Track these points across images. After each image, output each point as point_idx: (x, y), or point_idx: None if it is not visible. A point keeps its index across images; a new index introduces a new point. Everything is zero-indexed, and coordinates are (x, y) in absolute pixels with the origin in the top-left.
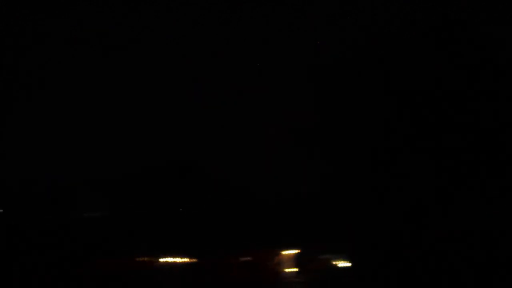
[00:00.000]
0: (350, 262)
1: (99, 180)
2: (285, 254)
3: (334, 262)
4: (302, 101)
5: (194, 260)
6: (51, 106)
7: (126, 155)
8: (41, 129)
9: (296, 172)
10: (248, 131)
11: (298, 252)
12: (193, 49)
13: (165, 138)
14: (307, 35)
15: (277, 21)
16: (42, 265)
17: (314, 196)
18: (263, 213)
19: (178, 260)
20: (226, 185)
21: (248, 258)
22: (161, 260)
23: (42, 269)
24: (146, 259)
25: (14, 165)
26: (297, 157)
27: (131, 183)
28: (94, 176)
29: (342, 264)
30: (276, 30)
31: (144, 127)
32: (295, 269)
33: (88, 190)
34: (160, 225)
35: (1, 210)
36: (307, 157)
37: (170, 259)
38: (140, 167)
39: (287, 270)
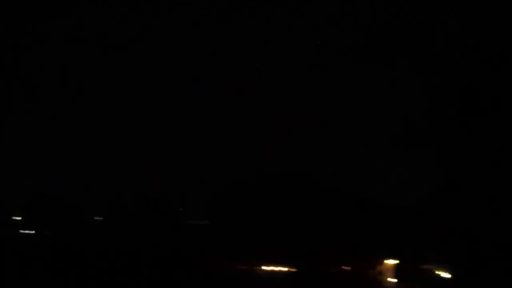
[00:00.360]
0: (452, 273)
1: (200, 189)
2: (386, 264)
3: (436, 273)
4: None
5: (294, 268)
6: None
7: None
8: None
9: (398, 180)
10: (346, 135)
11: (399, 262)
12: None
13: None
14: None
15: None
16: (147, 268)
17: (416, 203)
18: (364, 221)
19: (279, 268)
20: (327, 193)
21: (348, 267)
22: (263, 268)
23: (146, 272)
24: (247, 267)
25: (110, 175)
26: (396, 164)
27: (231, 192)
28: (196, 186)
29: (444, 274)
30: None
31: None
32: (396, 279)
33: (190, 198)
34: (261, 233)
35: (100, 218)
36: (406, 165)
37: (271, 267)
38: (238, 176)
39: (388, 279)
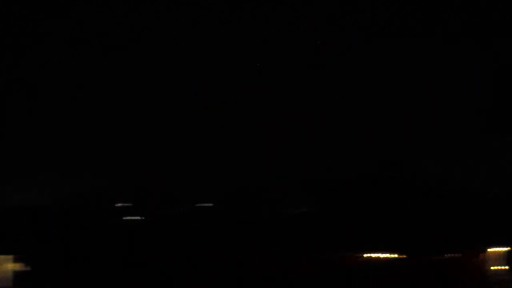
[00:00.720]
0: None
1: (302, 178)
2: (493, 252)
3: None
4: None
5: (400, 256)
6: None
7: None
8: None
9: (503, 165)
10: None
11: (508, 250)
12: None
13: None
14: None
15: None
16: (246, 259)
17: None
18: (470, 208)
19: (383, 256)
20: (430, 181)
21: (454, 255)
22: (365, 255)
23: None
24: (351, 254)
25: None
26: (501, 150)
27: (334, 181)
28: (297, 176)
29: None
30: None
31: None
32: (505, 267)
33: (291, 188)
34: (365, 221)
35: (210, 204)
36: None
37: (375, 255)
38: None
39: (495, 268)
